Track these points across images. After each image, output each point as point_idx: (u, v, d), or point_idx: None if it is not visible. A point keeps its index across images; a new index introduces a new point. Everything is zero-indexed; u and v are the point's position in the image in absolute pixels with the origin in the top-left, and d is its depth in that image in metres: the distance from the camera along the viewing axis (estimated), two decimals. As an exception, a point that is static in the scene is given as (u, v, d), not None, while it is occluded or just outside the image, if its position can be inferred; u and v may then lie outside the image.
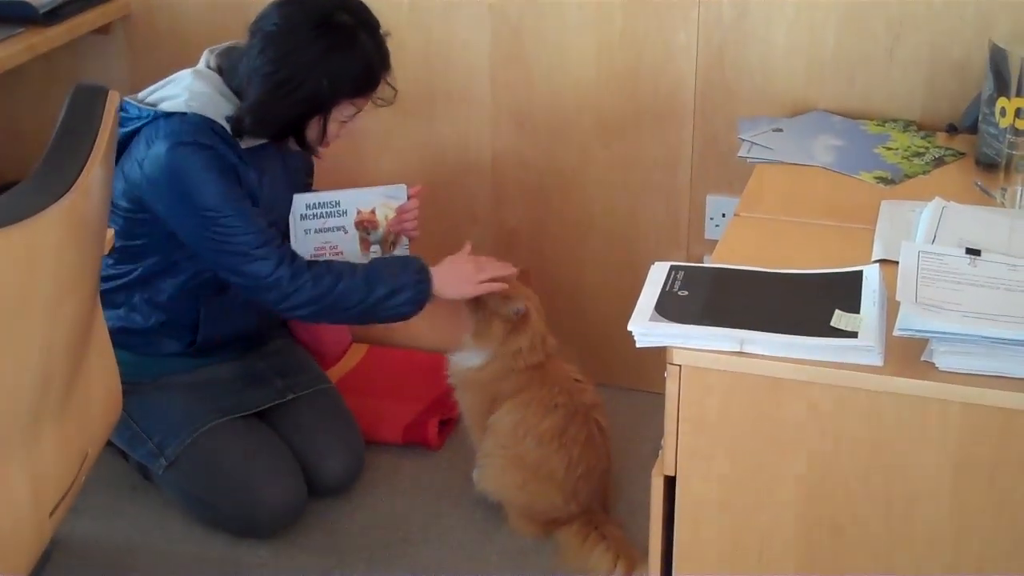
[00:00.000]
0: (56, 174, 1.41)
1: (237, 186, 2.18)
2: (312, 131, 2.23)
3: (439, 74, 2.66)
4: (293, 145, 2.26)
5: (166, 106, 2.18)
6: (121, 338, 2.27)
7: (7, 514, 1.53)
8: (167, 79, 2.25)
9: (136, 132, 2.19)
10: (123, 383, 1.86)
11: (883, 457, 1.55)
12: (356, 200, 2.41)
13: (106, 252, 1.72)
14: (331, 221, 2.41)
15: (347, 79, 2.17)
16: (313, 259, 2.28)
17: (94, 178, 1.45)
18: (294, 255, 2.21)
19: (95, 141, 1.47)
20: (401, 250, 2.47)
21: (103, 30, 2.82)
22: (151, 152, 2.15)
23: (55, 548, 2.23)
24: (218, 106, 2.18)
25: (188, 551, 2.32)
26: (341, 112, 2.22)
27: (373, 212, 2.42)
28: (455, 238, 2.74)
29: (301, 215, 2.39)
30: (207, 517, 2.35)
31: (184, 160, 2.13)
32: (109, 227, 1.65)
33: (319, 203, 2.40)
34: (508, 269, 2.33)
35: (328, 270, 2.21)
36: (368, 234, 2.43)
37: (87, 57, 2.90)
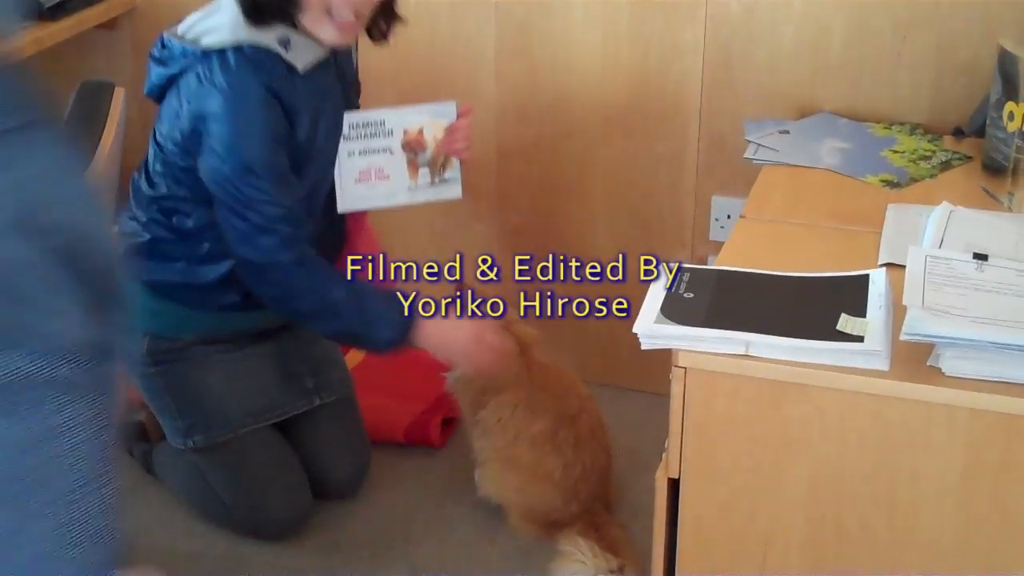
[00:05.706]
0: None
1: (283, 152, 2.06)
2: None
3: (444, 69, 2.65)
4: (342, 50, 2.12)
5: (212, 41, 2.00)
6: (179, 293, 2.19)
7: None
8: (209, 9, 2.07)
9: (182, 72, 2.05)
10: (161, 348, 2.05)
11: (889, 461, 1.54)
12: (402, 119, 2.27)
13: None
14: (376, 142, 2.26)
15: None
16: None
17: (100, 173, 1.45)
18: (304, 245, 2.09)
19: (101, 136, 1.47)
20: (451, 173, 2.34)
21: (108, 25, 2.82)
22: (203, 90, 2.00)
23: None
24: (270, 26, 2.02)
25: (191, 548, 2.32)
26: None
27: (421, 132, 2.28)
28: (458, 235, 2.75)
29: (344, 136, 2.24)
30: (212, 509, 2.35)
31: (241, 108, 1.99)
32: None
33: (363, 123, 2.25)
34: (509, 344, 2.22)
35: (324, 264, 2.12)
36: (416, 156, 2.29)
37: (92, 52, 2.90)
